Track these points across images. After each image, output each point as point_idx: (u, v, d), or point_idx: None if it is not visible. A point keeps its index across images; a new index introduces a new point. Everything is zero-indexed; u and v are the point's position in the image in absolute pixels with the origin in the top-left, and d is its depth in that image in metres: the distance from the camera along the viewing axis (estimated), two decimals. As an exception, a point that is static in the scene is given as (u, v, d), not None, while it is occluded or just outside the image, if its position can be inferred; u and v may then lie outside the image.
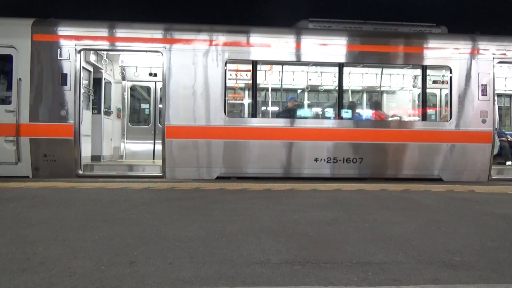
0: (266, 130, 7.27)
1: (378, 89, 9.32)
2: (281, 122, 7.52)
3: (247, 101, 9.45)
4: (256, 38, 7.34)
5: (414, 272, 2.41)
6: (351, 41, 7.55)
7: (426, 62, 7.61)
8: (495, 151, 7.79)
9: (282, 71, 8.41)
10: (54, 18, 7.28)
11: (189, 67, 7.14)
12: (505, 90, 10.47)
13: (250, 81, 7.83)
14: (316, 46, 7.43)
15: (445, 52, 7.57)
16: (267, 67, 8.33)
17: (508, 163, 9.06)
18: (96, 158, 8.23)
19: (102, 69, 8.42)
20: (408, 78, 8.88)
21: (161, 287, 2.14)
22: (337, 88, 7.71)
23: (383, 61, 7.85)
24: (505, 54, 7.66)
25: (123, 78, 9.51)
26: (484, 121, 7.48)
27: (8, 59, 7.01)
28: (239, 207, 4.38)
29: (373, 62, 7.89)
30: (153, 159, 9.35)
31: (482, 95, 7.51)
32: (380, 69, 8.80)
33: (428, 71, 7.91)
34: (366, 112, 9.46)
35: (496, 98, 8.06)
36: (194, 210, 4.21)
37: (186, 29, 7.27)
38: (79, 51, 7.07)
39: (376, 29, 7.84)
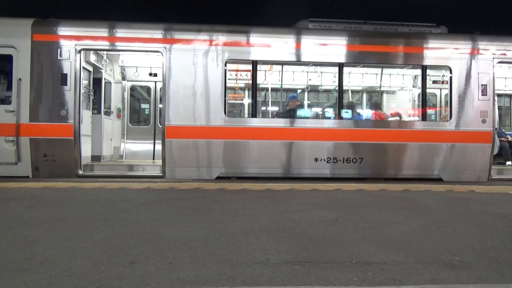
0: (266, 130, 7.27)
1: (378, 89, 9.32)
2: (281, 122, 7.52)
3: (247, 101, 9.46)
4: (256, 38, 7.34)
5: (414, 272, 2.41)
6: (351, 41, 7.55)
7: (426, 62, 7.62)
8: (495, 151, 7.80)
9: (282, 71, 8.41)
10: (54, 18, 7.29)
11: (189, 67, 7.14)
12: (505, 90, 10.48)
13: (250, 81, 7.83)
14: (316, 46, 7.44)
15: (445, 52, 7.57)
16: (267, 67, 8.33)
17: (508, 163, 9.07)
18: (96, 158, 8.24)
19: (102, 69, 8.43)
20: (408, 78, 8.89)
21: (161, 287, 2.14)
22: (337, 88, 7.71)
23: (383, 61, 7.85)
24: (505, 54, 7.66)
25: (123, 78, 9.52)
26: (484, 121, 7.48)
27: (8, 59, 7.02)
28: (239, 207, 4.38)
29: (373, 62, 7.89)
30: (153, 159, 9.36)
31: (482, 95, 7.51)
32: (380, 69, 8.80)
33: (428, 71, 7.91)
34: (366, 112, 9.46)
35: (496, 98, 8.07)
36: (194, 210, 4.21)
37: (186, 29, 7.27)
38: (79, 51, 7.08)
39: (376, 29, 7.84)
